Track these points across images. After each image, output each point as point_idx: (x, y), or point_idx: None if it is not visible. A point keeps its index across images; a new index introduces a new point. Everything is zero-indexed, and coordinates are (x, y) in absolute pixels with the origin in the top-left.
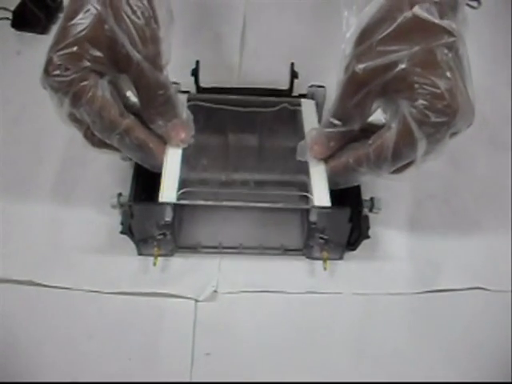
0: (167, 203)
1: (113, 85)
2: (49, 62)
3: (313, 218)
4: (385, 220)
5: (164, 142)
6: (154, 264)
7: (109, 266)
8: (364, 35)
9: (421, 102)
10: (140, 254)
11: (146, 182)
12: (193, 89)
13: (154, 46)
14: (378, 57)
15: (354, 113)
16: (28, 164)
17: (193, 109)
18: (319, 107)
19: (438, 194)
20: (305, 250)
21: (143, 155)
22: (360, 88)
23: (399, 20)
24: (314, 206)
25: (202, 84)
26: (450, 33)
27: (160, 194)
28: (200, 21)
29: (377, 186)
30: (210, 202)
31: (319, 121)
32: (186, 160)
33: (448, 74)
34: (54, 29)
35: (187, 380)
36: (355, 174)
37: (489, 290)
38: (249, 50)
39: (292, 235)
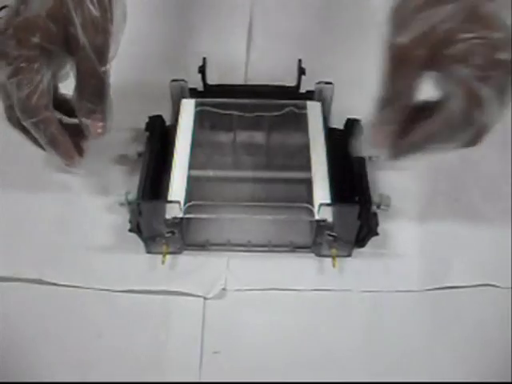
0: (175, 201)
1: (53, 73)
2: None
3: (321, 215)
4: (394, 217)
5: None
6: (163, 262)
7: (117, 264)
8: (399, 6)
9: (476, 58)
10: (148, 251)
11: (154, 179)
12: (200, 86)
13: (103, 37)
14: (419, 24)
15: (403, 88)
16: (34, 163)
17: (200, 113)
18: (327, 104)
19: (446, 190)
20: (313, 247)
21: (52, 149)
22: (405, 61)
23: None
24: (322, 204)
25: (209, 81)
26: None
27: (169, 193)
28: (206, 18)
29: (385, 182)
30: (214, 216)
31: (325, 123)
32: (195, 161)
33: (495, 22)
34: None
35: (196, 378)
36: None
37: (499, 286)
38: (256, 47)
39: (300, 232)
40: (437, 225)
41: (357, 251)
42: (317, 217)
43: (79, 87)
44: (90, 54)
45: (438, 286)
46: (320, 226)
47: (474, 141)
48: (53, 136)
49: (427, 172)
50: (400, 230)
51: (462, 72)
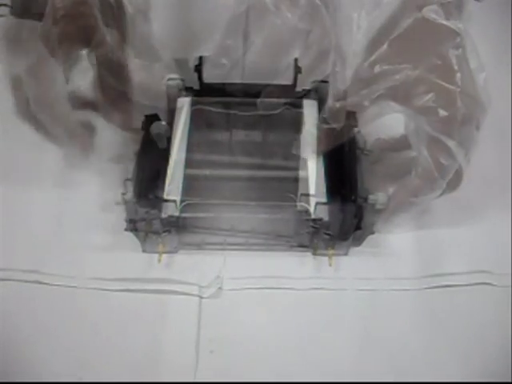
0: (171, 200)
1: (69, 66)
2: None
3: (317, 214)
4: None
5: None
6: (159, 261)
7: (113, 263)
8: (376, 37)
9: (441, 112)
10: (144, 250)
11: (150, 178)
12: (196, 85)
13: (120, 29)
14: (390, 59)
15: (356, 110)
16: (30, 161)
17: (197, 112)
18: (323, 102)
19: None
20: (310, 246)
21: (69, 143)
22: (368, 87)
23: (409, 22)
24: (318, 203)
25: (206, 80)
26: (456, 33)
27: (165, 192)
28: (203, 16)
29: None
30: (210, 214)
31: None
32: (191, 159)
33: (459, 75)
34: None
35: (192, 377)
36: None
37: (495, 285)
38: (252, 45)
39: (297, 231)
40: (433, 223)
41: (353, 250)
42: (313, 216)
43: (101, 77)
44: (110, 43)
45: (434, 285)
46: (316, 224)
47: (454, 186)
48: (71, 130)
49: None
50: (396, 229)
51: (427, 127)
